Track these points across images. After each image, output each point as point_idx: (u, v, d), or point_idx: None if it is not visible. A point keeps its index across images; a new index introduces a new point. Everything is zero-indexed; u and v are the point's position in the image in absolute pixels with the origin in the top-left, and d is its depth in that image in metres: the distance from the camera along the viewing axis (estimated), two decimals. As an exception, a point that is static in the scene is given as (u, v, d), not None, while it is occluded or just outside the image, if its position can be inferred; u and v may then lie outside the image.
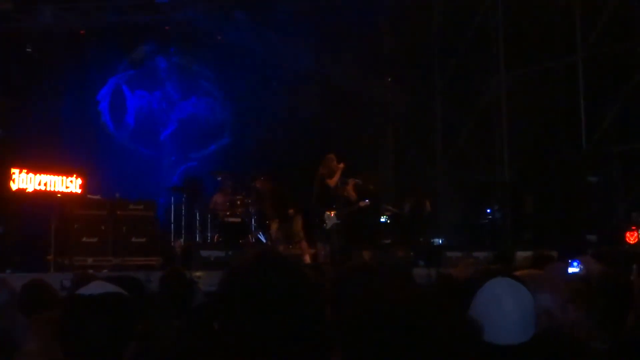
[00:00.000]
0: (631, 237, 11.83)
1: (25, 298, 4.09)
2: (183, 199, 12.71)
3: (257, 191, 12.24)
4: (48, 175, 11.38)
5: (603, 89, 13.79)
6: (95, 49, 14.63)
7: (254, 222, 12.64)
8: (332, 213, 11.09)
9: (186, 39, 15.61)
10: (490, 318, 2.01)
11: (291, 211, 11.50)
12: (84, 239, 10.28)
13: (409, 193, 13.37)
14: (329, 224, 10.97)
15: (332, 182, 11.09)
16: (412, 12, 15.65)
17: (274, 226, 11.95)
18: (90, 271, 9.02)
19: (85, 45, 14.55)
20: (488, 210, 14.37)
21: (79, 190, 11.62)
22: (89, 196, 11.34)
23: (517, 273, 2.91)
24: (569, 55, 14.06)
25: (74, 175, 11.67)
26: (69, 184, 11.56)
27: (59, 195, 11.24)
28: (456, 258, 11.27)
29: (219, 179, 12.98)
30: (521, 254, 9.54)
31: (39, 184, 11.31)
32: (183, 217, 12.58)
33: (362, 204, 11.90)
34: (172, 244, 12.09)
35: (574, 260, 4.21)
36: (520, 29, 14.57)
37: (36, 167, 11.39)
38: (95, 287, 2.24)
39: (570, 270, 4.42)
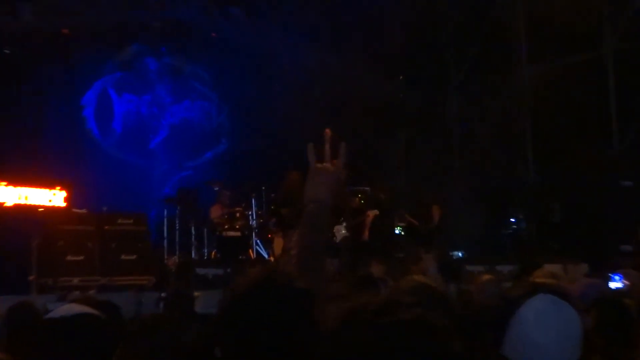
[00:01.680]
0: (670, 247, 11.73)
1: (11, 321, 4.10)
2: (177, 211, 12.68)
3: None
4: (29, 188, 11.31)
5: (635, 84, 13.71)
6: (79, 49, 14.60)
7: (255, 236, 12.59)
8: (341, 225, 11.03)
9: (178, 37, 15.59)
10: (531, 342, 1.93)
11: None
12: (69, 257, 10.21)
13: (422, 202, 13.37)
14: (338, 237, 10.91)
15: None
16: (424, 4, 15.62)
17: (277, 240, 11.88)
18: (77, 292, 8.99)
19: (68, 46, 14.52)
20: (512, 219, 14.28)
21: (63, 204, 11.55)
22: (73, 210, 11.27)
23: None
24: (597, 47, 13.99)
25: (58, 188, 11.61)
26: (52, 197, 11.49)
27: (41, 209, 11.18)
28: (478, 272, 11.18)
29: (216, 189, 12.93)
30: (549, 267, 9.47)
31: (19, 198, 11.24)
32: (177, 232, 12.54)
33: (370, 213, 11.85)
34: (166, 261, 12.03)
35: (615, 274, 4.14)
36: (543, 19, 14.51)
37: (16, 178, 11.33)
38: (67, 310, 2.32)
39: (612, 285, 4.35)
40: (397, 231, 13.39)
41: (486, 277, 6.19)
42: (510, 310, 1.98)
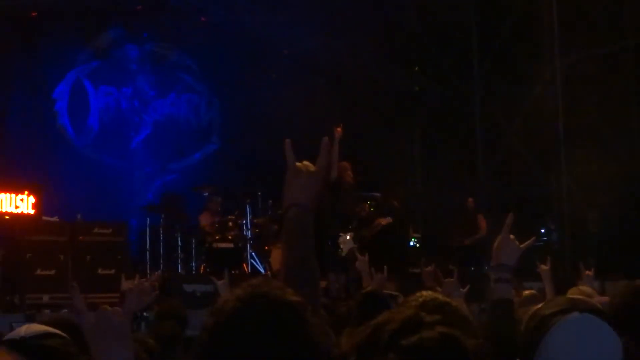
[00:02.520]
0: None
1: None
2: (161, 220, 12.70)
3: None
4: (-7, 193, 11.36)
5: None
6: (49, 34, 14.65)
7: (250, 248, 12.62)
8: (348, 235, 11.09)
9: (162, 21, 15.62)
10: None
11: None
12: (39, 272, 10.23)
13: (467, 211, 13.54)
14: (345, 249, 10.96)
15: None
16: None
17: (276, 252, 11.93)
18: (47, 311, 9.03)
19: (37, 31, 14.58)
20: (542, 230, 14.29)
21: (31, 211, 11.57)
22: (44, 218, 11.29)
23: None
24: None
25: (25, 193, 11.61)
26: (19, 203, 11.50)
27: (6, 217, 11.21)
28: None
29: (206, 194, 12.97)
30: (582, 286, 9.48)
31: (-19, 204, 11.29)
32: (161, 243, 12.56)
33: (383, 221, 11.90)
34: (148, 276, 12.06)
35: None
36: (579, 4, 14.54)
37: (-22, 182, 11.38)
38: (27, 329, 2.36)
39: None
40: (411, 243, 13.43)
41: (527, 292, 6.21)
42: (541, 330, 1.99)
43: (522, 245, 3.33)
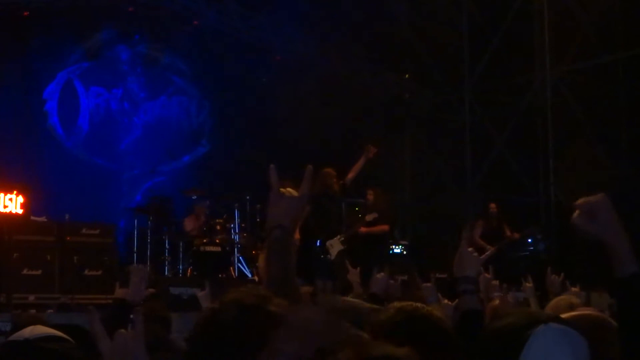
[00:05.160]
0: None
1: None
2: (149, 222, 12.69)
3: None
4: (-20, 192, 11.36)
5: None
6: (41, 34, 14.66)
7: (238, 252, 12.63)
8: (335, 238, 11.15)
9: (154, 23, 15.63)
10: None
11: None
12: (25, 271, 10.22)
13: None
14: (333, 253, 11.01)
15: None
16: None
17: (264, 258, 11.95)
18: (33, 311, 9.03)
19: (29, 30, 14.57)
20: (528, 239, 14.33)
21: (19, 211, 11.58)
22: (31, 218, 11.30)
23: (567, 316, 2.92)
24: (631, 47, 14.10)
25: (14, 192, 11.63)
26: (8, 203, 11.52)
27: (-7, 216, 11.22)
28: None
29: (194, 197, 12.98)
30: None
31: (-30, 203, 11.29)
32: (148, 245, 12.55)
33: (369, 217, 11.99)
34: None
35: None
36: (571, 15, 14.61)
37: (-34, 181, 11.38)
38: (32, 331, 2.36)
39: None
40: (398, 250, 13.45)
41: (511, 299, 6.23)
42: (513, 347, 1.97)
43: (482, 257, 3.46)
